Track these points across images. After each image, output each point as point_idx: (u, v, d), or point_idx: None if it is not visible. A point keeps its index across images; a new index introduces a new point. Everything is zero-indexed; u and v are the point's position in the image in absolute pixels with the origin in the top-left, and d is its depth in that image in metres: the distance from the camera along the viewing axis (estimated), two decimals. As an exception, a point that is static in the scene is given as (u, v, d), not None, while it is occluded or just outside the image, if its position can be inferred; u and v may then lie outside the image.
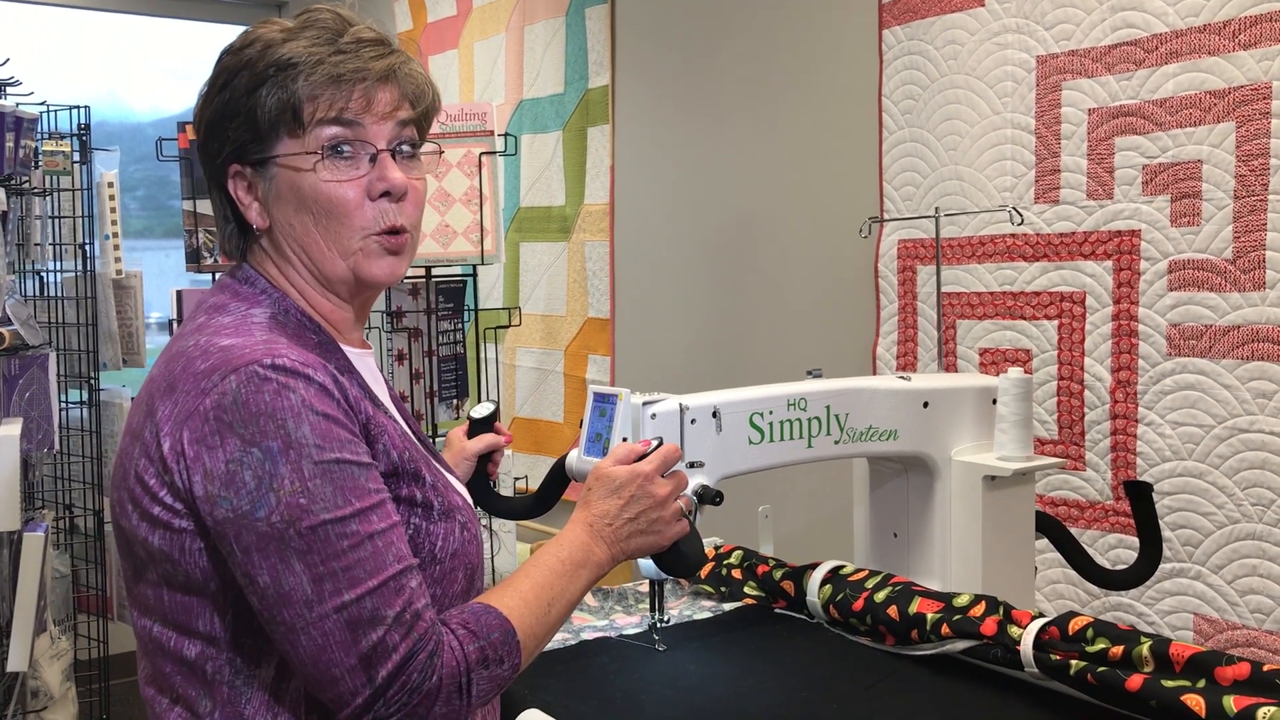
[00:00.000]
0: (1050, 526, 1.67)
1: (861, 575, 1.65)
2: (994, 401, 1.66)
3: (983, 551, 1.57)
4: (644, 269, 2.96)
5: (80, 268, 3.42)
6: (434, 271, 2.43)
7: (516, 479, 2.58)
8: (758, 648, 1.60)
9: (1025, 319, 2.21)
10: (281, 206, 1.11)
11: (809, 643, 1.61)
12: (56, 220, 3.40)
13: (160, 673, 1.07)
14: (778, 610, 1.74)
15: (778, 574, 1.74)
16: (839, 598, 1.63)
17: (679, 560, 1.25)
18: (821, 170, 2.54)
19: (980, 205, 2.22)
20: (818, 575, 1.67)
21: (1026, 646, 1.37)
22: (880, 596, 1.57)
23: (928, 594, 1.53)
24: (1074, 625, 1.35)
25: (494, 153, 2.33)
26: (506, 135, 2.39)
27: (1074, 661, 1.32)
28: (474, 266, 2.49)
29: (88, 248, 3.43)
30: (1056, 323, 2.16)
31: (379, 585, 0.99)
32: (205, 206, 2.28)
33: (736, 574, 1.81)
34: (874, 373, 2.44)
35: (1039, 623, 1.38)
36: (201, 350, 1.04)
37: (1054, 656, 1.34)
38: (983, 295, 2.25)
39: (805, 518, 2.41)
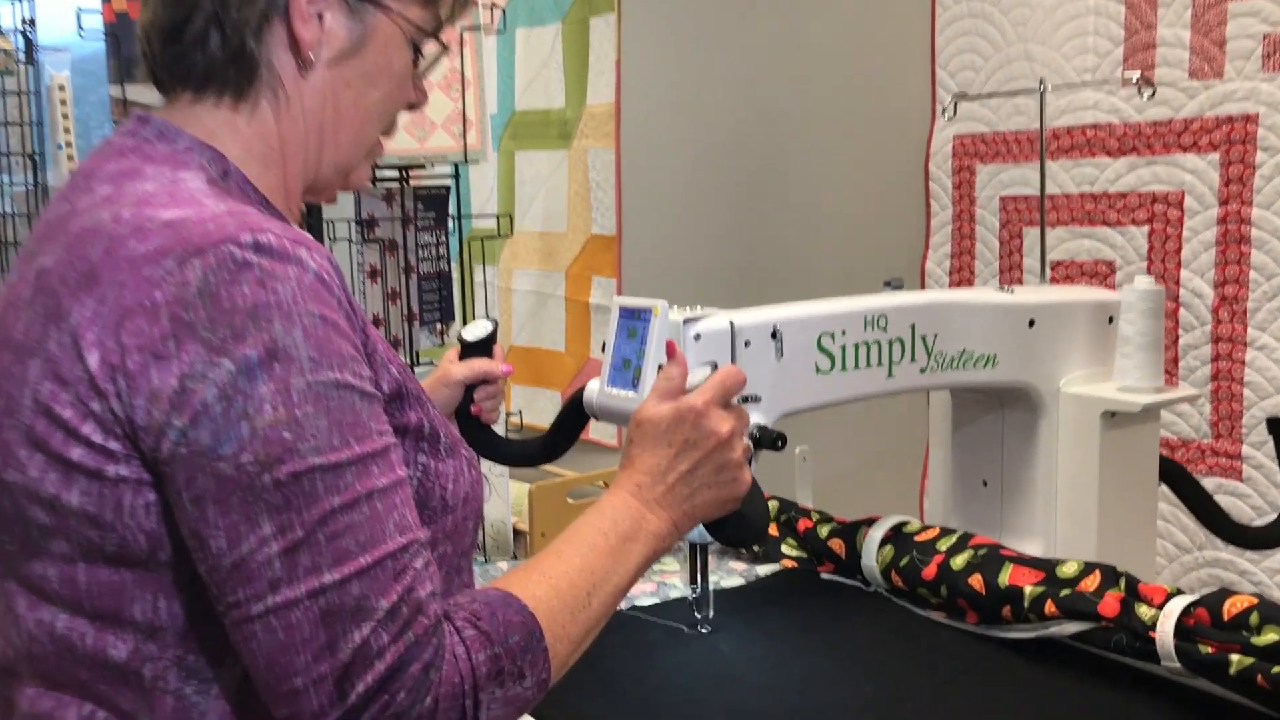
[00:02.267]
0: (1171, 471, 1.35)
1: (931, 535, 1.33)
2: (1110, 320, 1.33)
3: (1098, 506, 1.25)
4: (654, 179, 2.67)
5: (30, 181, 3.07)
6: (412, 175, 2.09)
7: (509, 415, 2.26)
8: (803, 624, 1.29)
9: (1108, 225, 1.87)
10: (346, 66, 0.85)
11: (868, 618, 1.30)
12: (3, 128, 3.05)
13: (66, 681, 0.76)
14: (824, 575, 1.43)
15: (824, 531, 1.42)
16: (904, 562, 1.31)
17: (740, 524, 0.94)
18: (861, 56, 2.19)
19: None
20: (876, 533, 1.35)
21: (1165, 634, 1.05)
22: (959, 562, 1.25)
23: (1022, 560, 1.21)
24: (1231, 608, 1.03)
25: (479, 28, 1.97)
26: (494, 6, 2.02)
27: (1235, 657, 1.00)
28: (457, 168, 2.14)
29: (37, 158, 3.09)
30: (1147, 229, 1.83)
31: (373, 564, 0.70)
32: (138, 93, 1.95)
33: (772, 529, 1.49)
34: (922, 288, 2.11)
35: (1180, 602, 1.06)
36: (132, 227, 0.73)
37: (1205, 649, 1.03)
38: (1055, 199, 1.91)
39: (850, 461, 2.09)
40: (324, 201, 0.98)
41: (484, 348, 1.26)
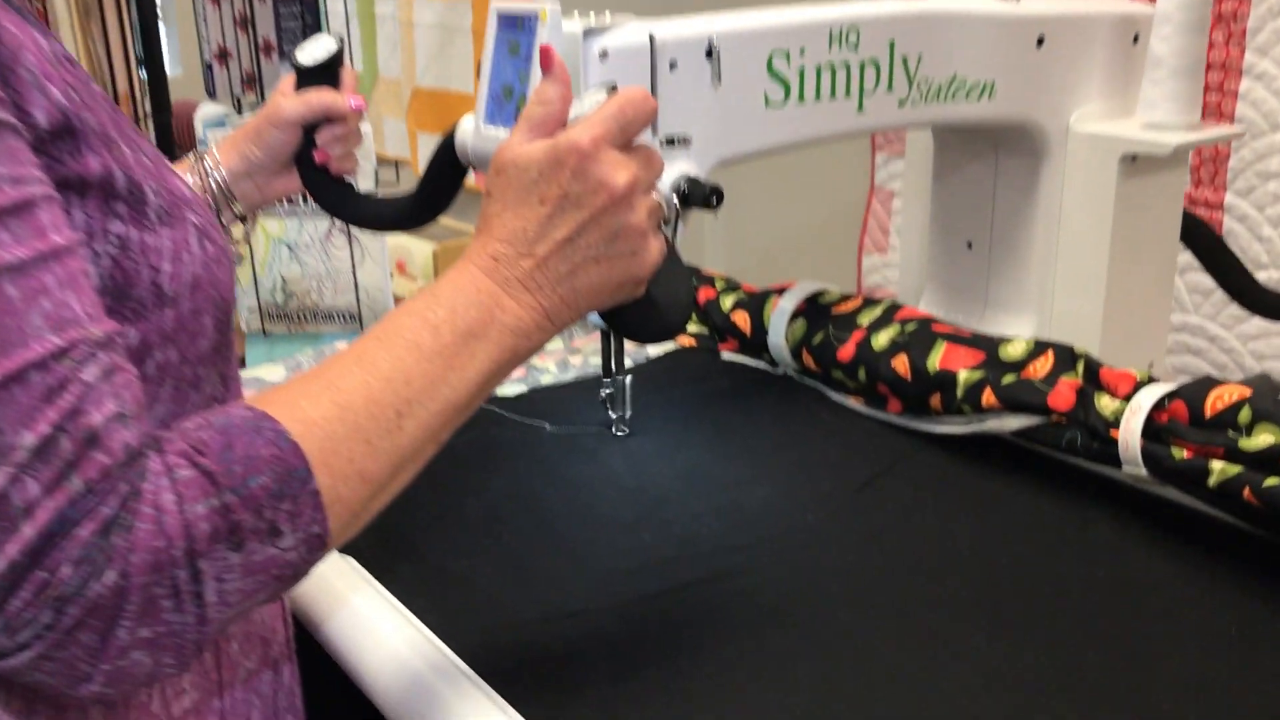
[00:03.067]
0: (1194, 229, 1.10)
1: (851, 306, 1.09)
2: (1135, 39, 1.05)
3: (1108, 274, 1.01)
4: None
5: None
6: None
7: (383, 164, 1.97)
8: (697, 415, 1.07)
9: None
10: None
11: (773, 406, 1.08)
12: None
13: None
14: (725, 356, 1.20)
15: (727, 302, 1.19)
16: (817, 339, 1.08)
17: (646, 315, 0.69)
18: None
19: None
20: (786, 305, 1.12)
21: (1130, 433, 0.83)
22: (881, 340, 1.02)
23: (958, 339, 0.98)
24: (1215, 402, 0.81)
25: None
26: None
27: (1217, 464, 0.79)
28: None
29: None
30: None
31: (3, 380, 0.47)
32: None
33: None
34: None
35: (1151, 393, 0.84)
36: None
37: (1179, 453, 0.81)
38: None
39: (778, 219, 1.84)
40: None
41: (326, 74, 0.95)
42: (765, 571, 0.81)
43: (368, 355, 0.57)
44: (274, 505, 0.50)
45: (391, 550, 0.85)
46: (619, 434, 1.01)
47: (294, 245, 1.71)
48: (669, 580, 0.81)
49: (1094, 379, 0.90)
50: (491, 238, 0.62)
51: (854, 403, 1.06)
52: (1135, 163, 0.99)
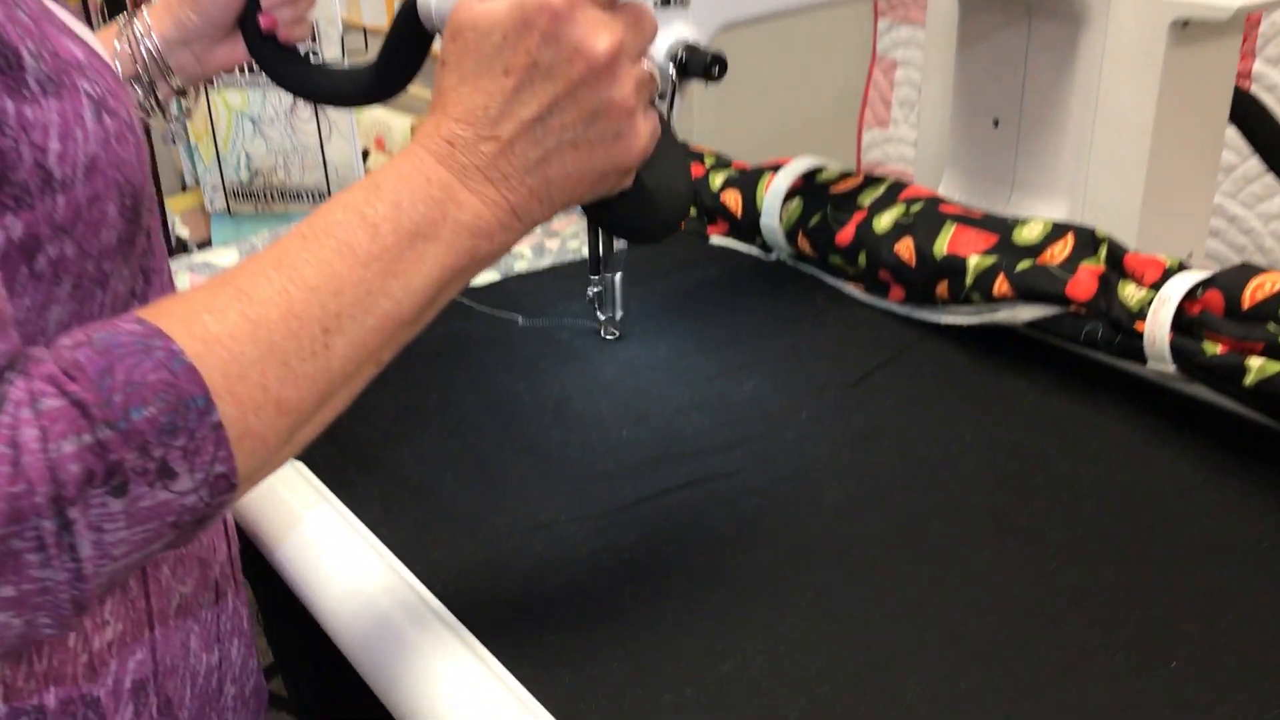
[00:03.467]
0: (1244, 106, 1.00)
1: (851, 184, 1.00)
2: None
3: (1150, 155, 0.91)
4: None
5: None
6: None
7: (353, 32, 1.84)
8: (679, 304, 0.99)
9: None
10: None
11: (765, 294, 1.00)
12: None
13: None
14: (714, 240, 1.11)
15: (717, 180, 1.09)
16: (814, 221, 0.99)
17: (637, 209, 0.59)
18: None
19: None
20: (781, 183, 1.03)
21: (1159, 326, 0.76)
22: (884, 222, 0.94)
23: (968, 220, 0.90)
24: (1254, 292, 0.73)
25: None
26: None
27: (1255, 361, 0.71)
28: None
29: None
30: None
31: None
32: None
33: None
34: None
35: (1183, 282, 0.76)
36: None
37: (1212, 348, 0.74)
38: None
39: (773, 91, 1.73)
40: None
41: None
42: (752, 475, 0.75)
43: (290, 258, 0.48)
44: (164, 441, 0.42)
45: (348, 457, 0.78)
46: (609, 337, 0.93)
47: (257, 119, 1.60)
48: (648, 485, 0.74)
49: (1118, 265, 0.81)
50: (446, 117, 0.52)
51: (853, 290, 0.98)
52: (1187, 29, 0.88)
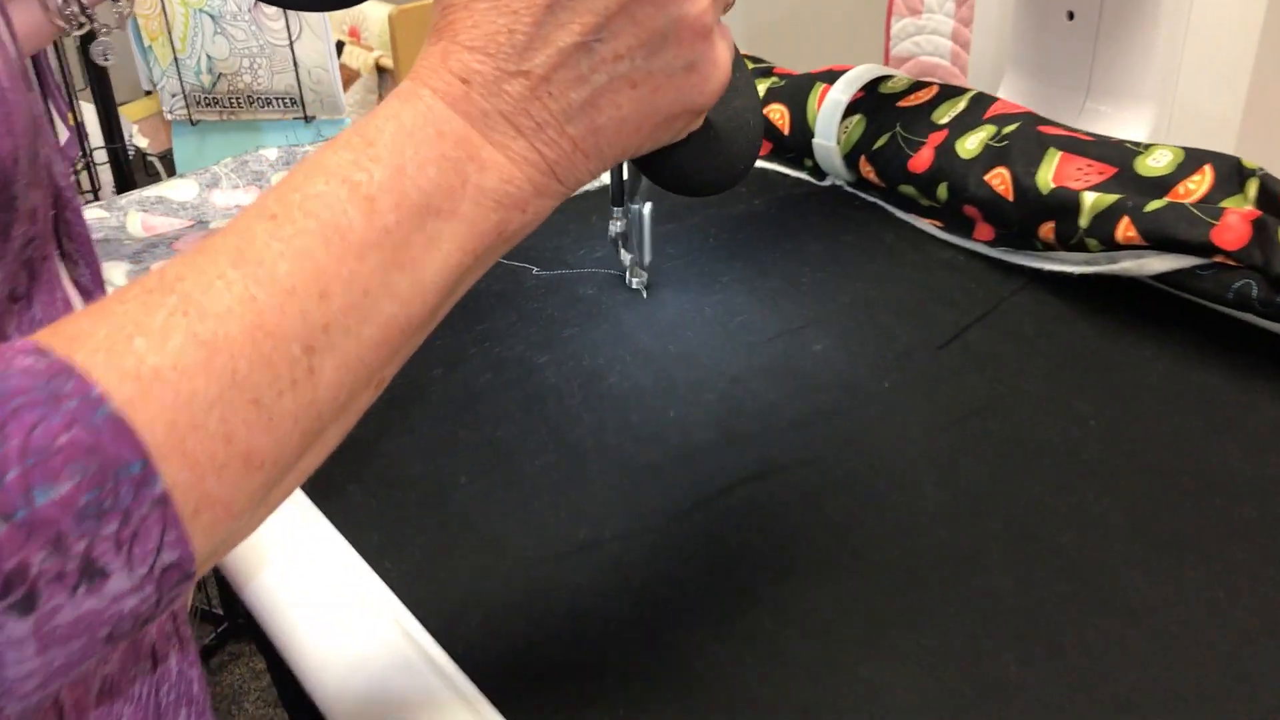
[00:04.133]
0: None
1: (926, 96, 0.84)
2: None
3: (1257, 53, 0.76)
4: None
5: None
6: None
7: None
8: (721, 245, 0.84)
9: None
10: None
11: (820, 234, 0.85)
12: None
13: None
14: (756, 163, 0.96)
15: (759, 89, 0.93)
16: (881, 142, 0.84)
17: (706, 157, 0.45)
18: None
19: None
20: (839, 95, 0.87)
21: (1339, 287, 0.61)
22: (971, 145, 0.78)
23: (1076, 145, 0.74)
24: None
25: None
26: None
27: None
28: None
29: None
30: None
31: None
32: None
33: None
34: None
35: (1368, 231, 0.62)
36: None
37: None
38: None
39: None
40: None
41: None
42: (833, 463, 0.61)
43: (254, 249, 0.33)
44: (87, 530, 0.28)
45: (335, 458, 0.64)
46: (637, 285, 0.78)
47: (217, 15, 1.41)
48: (706, 480, 0.60)
49: (1273, 205, 0.66)
50: (457, 44, 0.36)
51: (928, 225, 0.83)
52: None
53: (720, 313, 0.75)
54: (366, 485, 0.62)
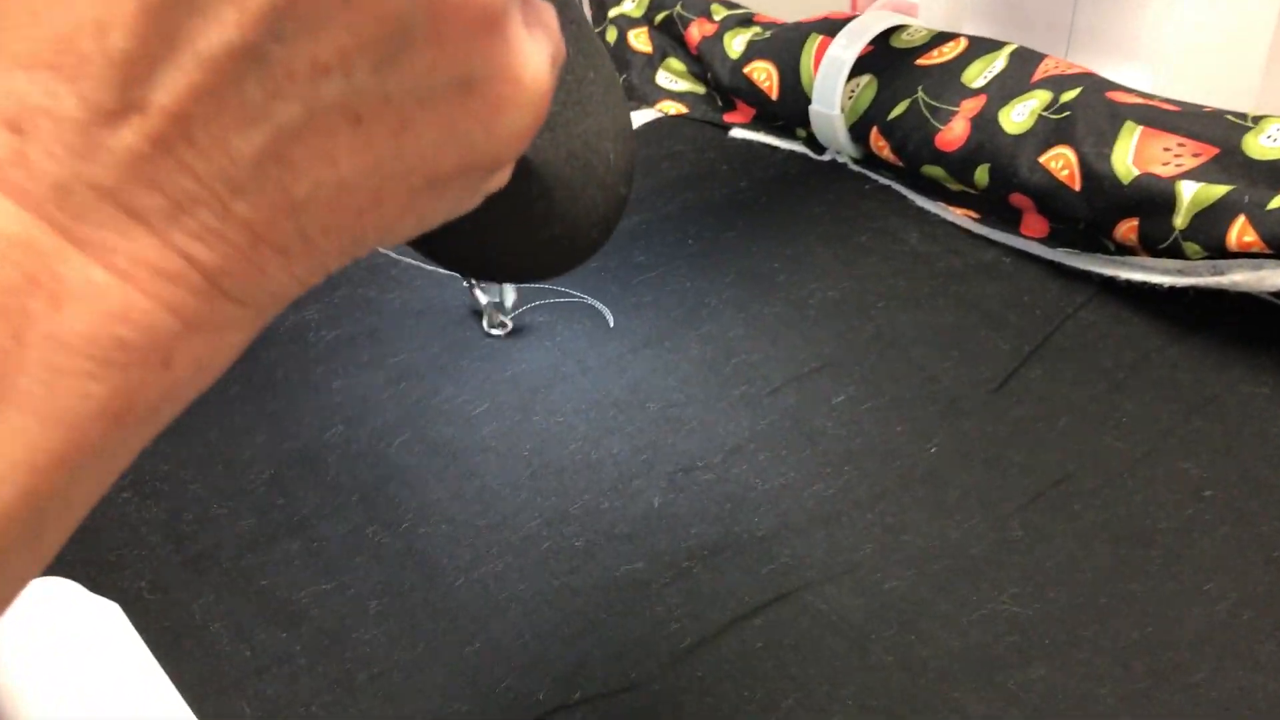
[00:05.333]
0: None
1: (952, 52, 0.67)
2: None
3: None
4: None
5: None
6: None
7: None
8: (697, 242, 0.67)
9: None
10: None
11: (823, 229, 0.68)
12: None
13: None
14: (736, 132, 0.78)
15: (735, 45, 0.76)
16: (897, 111, 0.66)
17: (530, 227, 0.27)
18: None
19: None
20: (842, 51, 0.69)
21: None
22: (1019, 117, 0.61)
23: (1161, 116, 0.57)
24: None
25: None
26: None
27: None
28: None
29: None
30: None
31: None
32: None
33: (639, 40, 0.82)
34: None
35: None
36: None
37: None
38: None
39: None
40: None
41: None
42: (870, 570, 0.44)
43: None
44: None
45: (185, 580, 0.46)
46: (497, 333, 0.60)
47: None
48: (711, 608, 0.44)
49: None
50: (5, 57, 0.18)
51: (959, 216, 0.66)
52: None
53: (710, 352, 0.58)
54: (178, 617, 0.45)
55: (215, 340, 0.20)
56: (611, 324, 0.59)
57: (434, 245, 0.28)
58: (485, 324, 0.59)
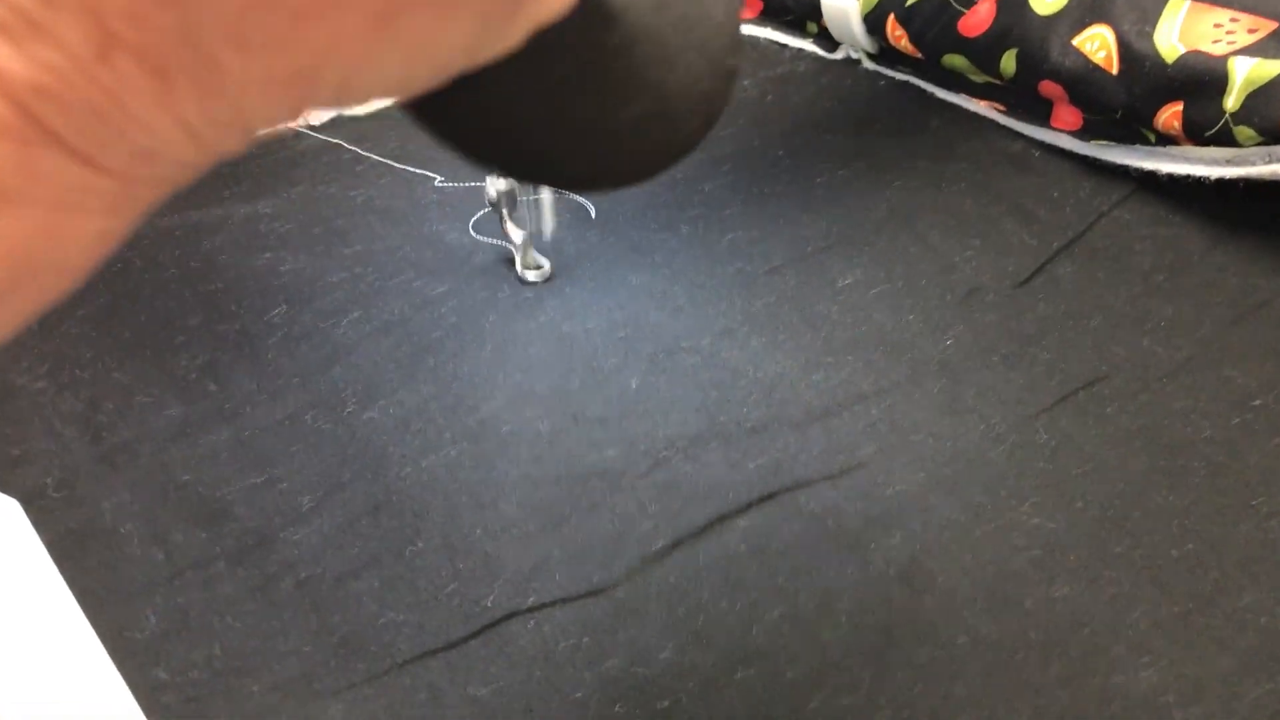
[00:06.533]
0: None
1: (980, -67, 0.61)
2: None
3: None
4: None
5: None
6: None
7: None
8: (705, 152, 0.61)
9: None
10: None
11: (836, 120, 0.62)
12: None
13: None
14: (743, 27, 0.72)
15: (744, -69, 0.69)
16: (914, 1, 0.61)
17: (599, 94, 0.17)
18: None
19: None
20: (856, -66, 0.63)
21: None
22: (1050, -3, 0.55)
23: (1212, -9, 0.52)
24: None
25: None
26: None
27: None
28: None
29: None
30: None
31: None
32: None
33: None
34: None
35: None
36: None
37: None
38: None
39: None
40: None
41: None
42: (859, 485, 0.39)
43: None
44: None
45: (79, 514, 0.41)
46: (534, 278, 0.50)
47: None
48: (646, 518, 0.38)
49: None
50: None
51: (985, 108, 0.60)
52: None
53: (701, 230, 0.52)
54: (107, 545, 0.39)
55: (47, 222, 0.12)
56: (593, 214, 0.53)
57: (459, 121, 0.19)
58: (519, 266, 0.49)
